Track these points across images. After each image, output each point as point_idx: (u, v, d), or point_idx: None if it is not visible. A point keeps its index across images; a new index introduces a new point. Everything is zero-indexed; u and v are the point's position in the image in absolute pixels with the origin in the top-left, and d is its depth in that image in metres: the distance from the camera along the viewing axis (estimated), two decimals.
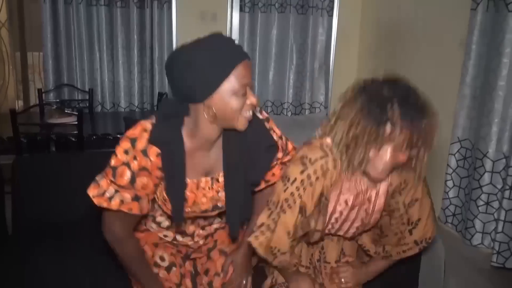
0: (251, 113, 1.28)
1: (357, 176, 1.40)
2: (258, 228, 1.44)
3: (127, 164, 1.27)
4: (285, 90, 3.96)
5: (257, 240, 1.43)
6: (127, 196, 1.30)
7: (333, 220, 1.49)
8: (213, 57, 1.18)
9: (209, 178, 1.41)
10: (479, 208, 2.22)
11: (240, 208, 1.44)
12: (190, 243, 1.61)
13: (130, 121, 2.42)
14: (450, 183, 2.43)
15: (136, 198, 1.32)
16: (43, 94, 3.39)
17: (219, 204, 1.45)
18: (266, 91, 3.94)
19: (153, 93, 3.70)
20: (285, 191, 1.38)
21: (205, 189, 1.41)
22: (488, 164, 2.18)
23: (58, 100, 3.55)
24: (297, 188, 1.36)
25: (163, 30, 3.60)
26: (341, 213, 1.47)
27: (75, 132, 2.69)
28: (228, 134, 1.34)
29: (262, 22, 3.78)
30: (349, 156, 1.27)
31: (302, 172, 1.35)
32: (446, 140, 2.43)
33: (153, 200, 1.42)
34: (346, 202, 1.45)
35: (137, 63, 3.65)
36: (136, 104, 3.72)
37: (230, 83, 1.19)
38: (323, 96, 4.00)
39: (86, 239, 1.87)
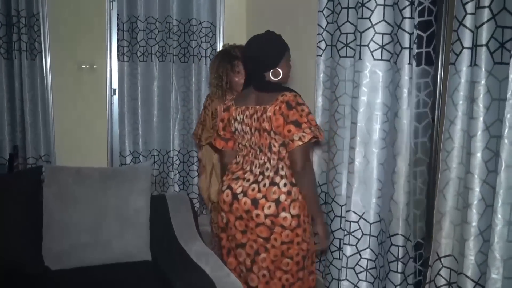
0: None
1: None
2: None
3: None
4: (171, 138, 3.91)
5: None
6: None
7: None
8: None
9: None
10: None
11: None
12: None
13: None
14: None
15: None
16: None
17: None
18: (151, 139, 3.87)
19: (25, 146, 3.51)
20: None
21: None
22: None
23: None
24: None
25: (35, 81, 3.45)
26: None
27: None
28: None
29: (143, 71, 3.75)
30: None
31: None
32: None
33: None
34: None
35: (7, 115, 3.47)
36: (7, 158, 3.50)
37: None
38: None
39: None
